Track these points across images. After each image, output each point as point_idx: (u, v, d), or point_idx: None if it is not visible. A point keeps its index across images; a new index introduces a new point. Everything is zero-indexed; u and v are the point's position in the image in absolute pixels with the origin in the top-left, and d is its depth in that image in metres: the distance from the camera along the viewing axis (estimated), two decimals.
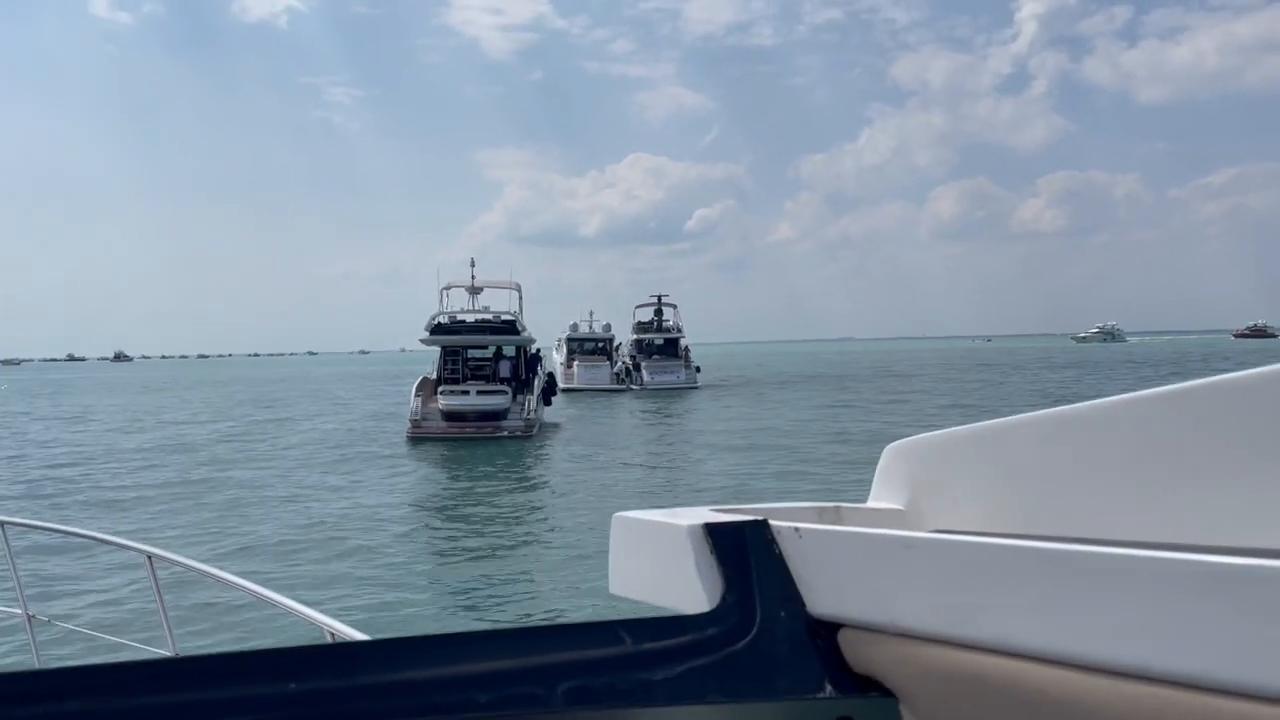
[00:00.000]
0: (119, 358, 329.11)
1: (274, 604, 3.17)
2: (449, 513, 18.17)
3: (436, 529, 16.44)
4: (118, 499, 19.86)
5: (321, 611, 3.08)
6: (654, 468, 23.66)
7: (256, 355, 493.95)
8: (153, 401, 60.45)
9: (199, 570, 3.52)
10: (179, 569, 3.65)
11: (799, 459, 22.85)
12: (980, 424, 0.99)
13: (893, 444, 1.14)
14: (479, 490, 20.70)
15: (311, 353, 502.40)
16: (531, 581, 12.37)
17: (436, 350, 34.23)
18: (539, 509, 18.25)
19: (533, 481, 22.35)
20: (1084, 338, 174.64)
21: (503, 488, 21.03)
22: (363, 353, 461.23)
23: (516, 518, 17.23)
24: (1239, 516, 0.72)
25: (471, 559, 13.80)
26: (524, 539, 15.40)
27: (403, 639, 0.77)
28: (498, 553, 14.15)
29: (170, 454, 28.07)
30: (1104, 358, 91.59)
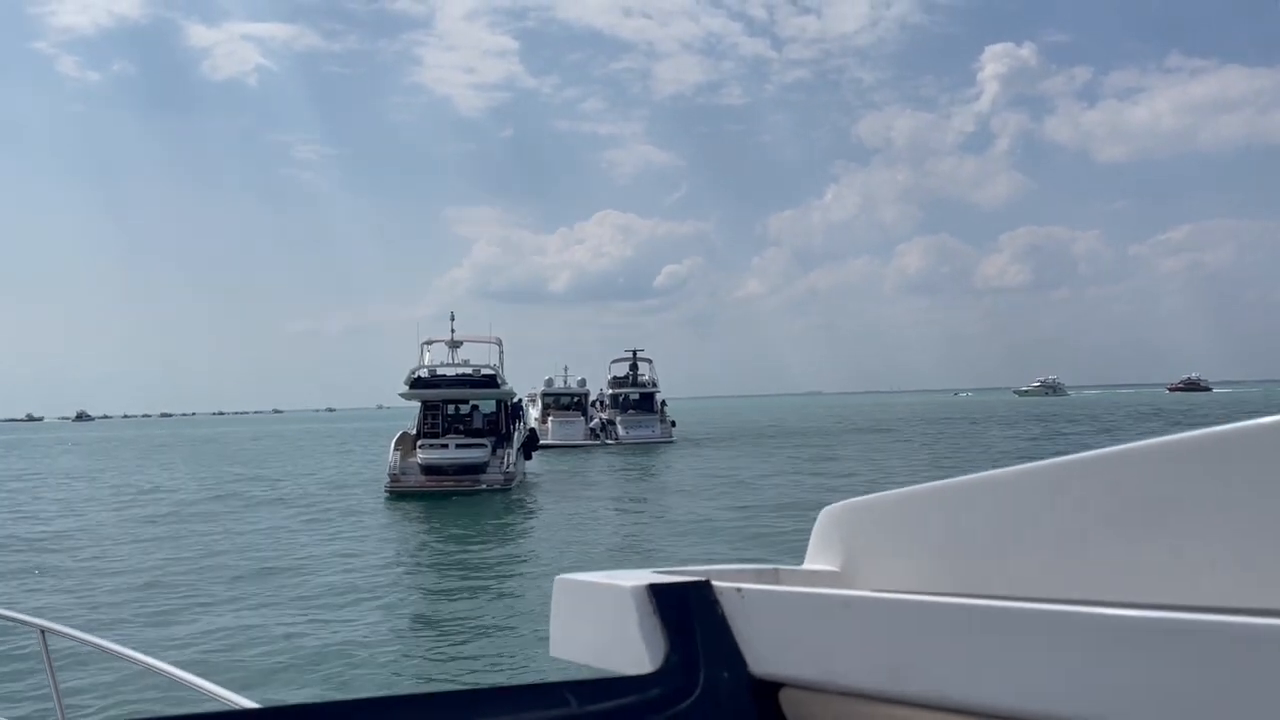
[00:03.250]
0: (80, 417, 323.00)
1: (181, 682, 2.88)
2: (419, 570, 18.08)
3: (401, 588, 16.16)
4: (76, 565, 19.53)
5: (235, 690, 2.86)
6: (635, 524, 23.80)
7: (221, 413, 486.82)
8: (114, 462, 59.65)
9: (98, 646, 3.18)
10: (75, 644, 3.32)
11: (783, 515, 22.94)
12: (910, 488, 1.03)
13: (828, 507, 1.17)
14: (453, 546, 20.58)
15: (277, 410, 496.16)
16: (501, 642, 11.91)
17: (414, 408, 34.41)
18: (510, 565, 18.06)
19: (508, 536, 22.31)
20: (1026, 391, 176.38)
21: (477, 543, 20.90)
22: (329, 410, 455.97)
23: (487, 574, 16.99)
24: (1158, 571, 0.74)
25: (432, 617, 13.46)
26: (493, 595, 15.04)
27: (319, 704, 0.72)
28: (461, 611, 13.77)
29: (141, 515, 27.87)
30: (1043, 411, 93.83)
